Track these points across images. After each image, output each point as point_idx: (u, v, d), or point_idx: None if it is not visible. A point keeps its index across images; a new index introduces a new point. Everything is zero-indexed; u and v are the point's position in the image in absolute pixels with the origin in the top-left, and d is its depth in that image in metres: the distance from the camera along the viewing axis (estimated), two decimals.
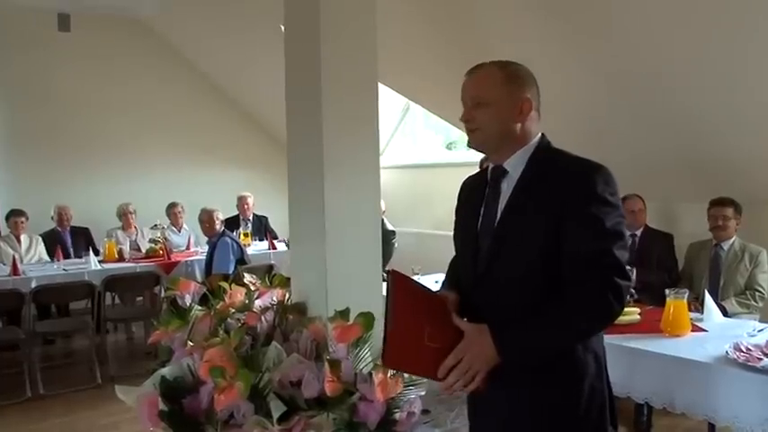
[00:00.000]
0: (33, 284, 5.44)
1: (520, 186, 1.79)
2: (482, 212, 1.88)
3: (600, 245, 1.65)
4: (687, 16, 3.79)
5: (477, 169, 6.62)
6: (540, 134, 1.84)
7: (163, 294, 5.96)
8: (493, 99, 1.78)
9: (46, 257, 6.59)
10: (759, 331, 3.16)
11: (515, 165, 1.82)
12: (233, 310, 2.85)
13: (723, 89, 4.15)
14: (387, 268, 5.09)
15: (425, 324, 1.68)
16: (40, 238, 6.77)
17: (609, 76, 4.63)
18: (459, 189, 2.08)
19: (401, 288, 1.72)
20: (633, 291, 3.59)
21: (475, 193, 1.93)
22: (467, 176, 2.08)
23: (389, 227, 6.20)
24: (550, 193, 1.72)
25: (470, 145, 1.88)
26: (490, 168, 1.90)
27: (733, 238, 4.44)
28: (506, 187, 1.83)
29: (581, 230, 1.67)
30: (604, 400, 1.81)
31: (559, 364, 1.74)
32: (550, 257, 1.70)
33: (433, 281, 2.79)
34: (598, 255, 1.65)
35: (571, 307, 1.66)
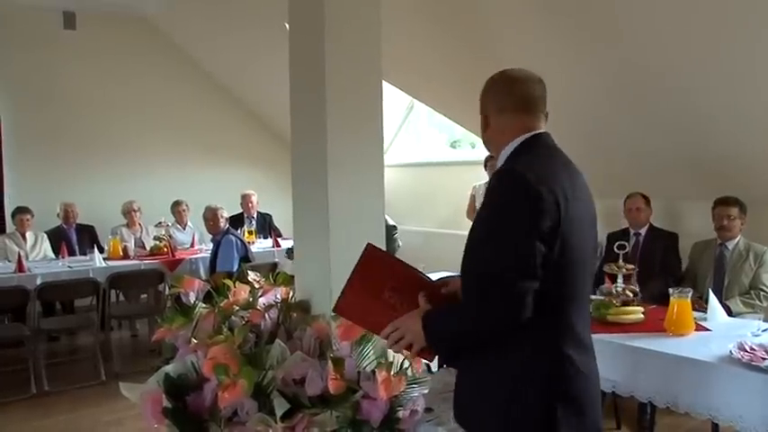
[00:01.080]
0: (38, 281, 5.45)
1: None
2: None
3: (474, 248, 1.75)
4: (692, 17, 3.78)
5: (482, 169, 6.58)
6: (529, 135, 1.83)
7: (167, 292, 5.97)
8: (482, 112, 1.92)
9: (51, 255, 6.60)
10: (763, 331, 3.15)
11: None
12: (237, 308, 2.86)
13: (728, 88, 4.14)
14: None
15: (387, 286, 1.86)
16: (46, 236, 6.79)
17: (614, 76, 4.62)
18: None
19: (370, 254, 1.90)
20: (637, 290, 3.58)
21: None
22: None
23: (390, 222, 6.21)
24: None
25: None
26: None
27: (738, 238, 4.43)
28: None
29: (469, 240, 1.78)
30: (549, 417, 1.70)
31: (495, 353, 1.74)
32: None
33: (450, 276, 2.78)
34: (473, 259, 1.75)
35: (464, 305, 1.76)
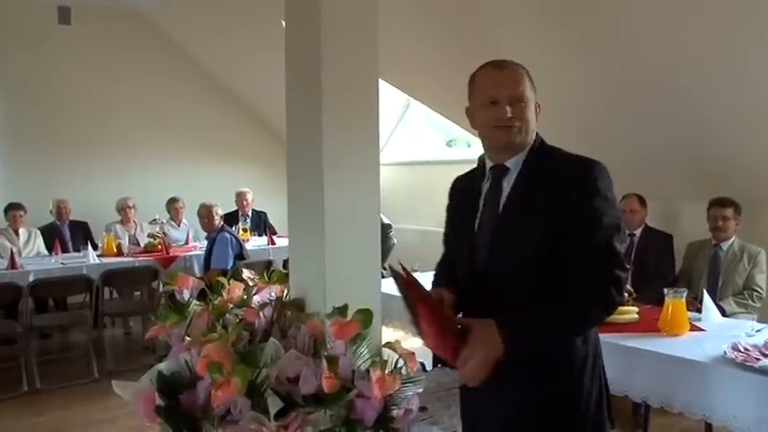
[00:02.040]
0: (31, 278, 5.43)
1: (520, 184, 1.80)
2: (481, 210, 1.88)
3: (601, 238, 1.69)
4: (691, 18, 3.78)
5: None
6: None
7: (161, 289, 5.96)
8: (529, 97, 1.80)
9: (44, 251, 6.58)
10: (757, 331, 3.16)
11: (516, 162, 1.83)
12: (231, 306, 2.85)
13: (726, 90, 4.14)
14: (386, 264, 5.10)
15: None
16: (39, 232, 6.77)
17: (610, 76, 4.62)
18: (450, 187, 2.11)
19: (407, 277, 1.79)
20: (632, 290, 3.59)
21: (470, 192, 1.94)
22: (457, 175, 2.10)
23: (385, 220, 6.20)
24: (550, 191, 1.74)
25: (511, 145, 1.83)
26: (489, 167, 1.89)
27: (732, 239, 4.44)
28: (507, 185, 1.83)
29: (583, 225, 1.70)
30: (602, 394, 1.83)
31: (557, 359, 1.76)
32: (551, 256, 1.72)
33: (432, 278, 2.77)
34: (600, 248, 1.69)
35: (576, 296, 1.69)
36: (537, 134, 1.85)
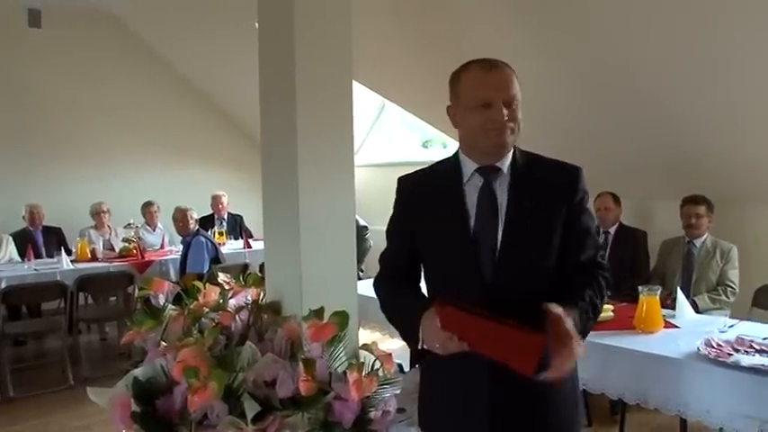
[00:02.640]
0: (3, 285, 5.35)
1: (516, 186, 1.79)
2: (474, 217, 1.80)
3: (592, 247, 1.84)
4: (665, 19, 3.82)
5: None
6: None
7: (136, 294, 5.90)
8: (519, 98, 1.76)
9: (17, 257, 6.48)
10: (730, 327, 3.21)
11: (504, 164, 1.81)
12: (207, 310, 2.84)
13: (698, 90, 4.20)
14: (361, 266, 5.08)
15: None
16: (11, 238, 6.66)
17: (583, 76, 4.66)
18: (399, 186, 1.97)
19: (442, 313, 1.64)
20: None
21: (446, 195, 1.84)
22: (402, 174, 1.97)
23: (362, 222, 6.20)
24: (548, 198, 1.78)
25: (505, 147, 1.79)
26: (476, 168, 1.81)
27: (705, 236, 4.50)
28: (500, 189, 1.79)
29: (579, 235, 1.81)
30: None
31: None
32: (556, 262, 1.80)
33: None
34: (597, 242, 1.89)
35: (596, 290, 1.78)
36: None
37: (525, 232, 1.75)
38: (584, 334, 1.67)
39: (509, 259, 1.75)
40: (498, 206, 1.77)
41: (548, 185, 1.78)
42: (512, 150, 1.81)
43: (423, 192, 1.91)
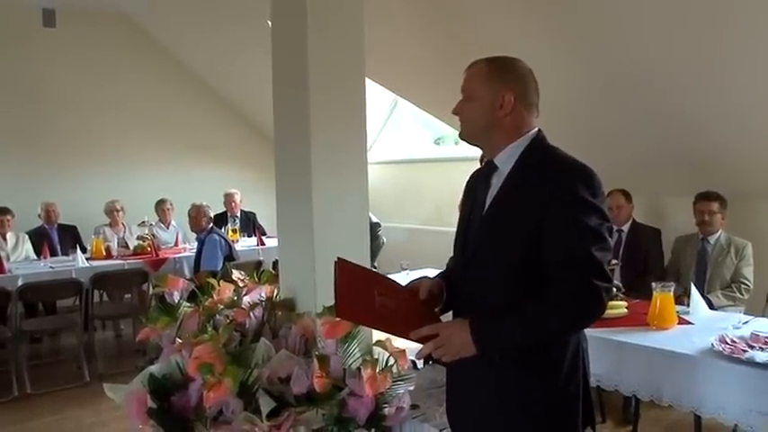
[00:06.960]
0: (20, 282, 5.39)
1: (507, 183, 1.80)
2: (471, 207, 1.91)
3: (578, 246, 1.65)
4: (678, 17, 3.80)
5: (470, 164, 6.64)
6: (536, 129, 1.84)
7: (151, 291, 5.94)
8: (477, 94, 1.81)
9: (33, 255, 6.54)
10: (744, 323, 3.19)
11: (505, 160, 1.82)
12: (221, 307, 2.85)
13: (711, 88, 4.17)
14: (374, 263, 5.10)
15: (373, 289, 1.80)
16: (27, 236, 6.72)
17: (599, 74, 4.64)
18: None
19: (343, 268, 1.80)
20: (620, 284, 3.60)
21: (476, 188, 1.94)
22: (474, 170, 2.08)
23: (374, 219, 6.21)
24: (533, 193, 1.72)
25: (460, 137, 1.93)
26: (485, 162, 1.93)
27: (719, 232, 4.47)
28: (496, 182, 1.83)
29: (561, 232, 1.67)
30: (578, 393, 1.80)
31: (534, 358, 1.74)
32: (530, 258, 1.71)
33: (422, 276, 2.79)
34: (576, 256, 1.65)
35: (547, 306, 1.66)
36: (539, 131, 1.83)
37: (494, 226, 1.80)
38: (496, 343, 1.70)
39: (482, 248, 1.82)
40: (486, 198, 1.84)
41: (540, 181, 1.73)
42: (520, 146, 1.81)
43: (468, 185, 2.05)
